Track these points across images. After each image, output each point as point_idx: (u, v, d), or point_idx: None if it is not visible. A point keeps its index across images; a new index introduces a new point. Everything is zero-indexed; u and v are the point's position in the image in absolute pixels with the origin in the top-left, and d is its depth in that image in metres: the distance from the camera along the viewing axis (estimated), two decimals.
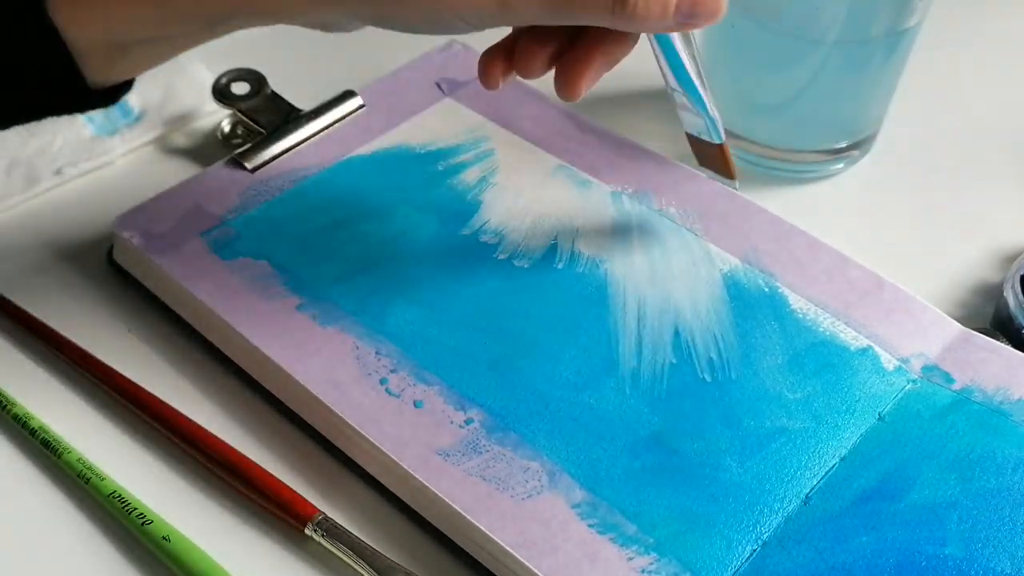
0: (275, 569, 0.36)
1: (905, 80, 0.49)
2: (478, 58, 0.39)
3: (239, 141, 0.51)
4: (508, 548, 0.35)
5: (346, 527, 0.36)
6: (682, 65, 0.40)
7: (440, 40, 0.53)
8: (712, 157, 0.45)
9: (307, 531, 0.36)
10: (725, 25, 0.47)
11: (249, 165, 0.47)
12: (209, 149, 0.52)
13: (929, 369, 0.40)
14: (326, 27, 0.38)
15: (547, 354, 0.40)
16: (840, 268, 0.43)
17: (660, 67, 0.41)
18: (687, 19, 0.36)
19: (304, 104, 0.50)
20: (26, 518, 0.38)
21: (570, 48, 0.38)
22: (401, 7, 0.35)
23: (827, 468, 0.37)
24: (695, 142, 0.44)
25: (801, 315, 0.42)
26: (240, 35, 0.38)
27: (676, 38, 0.39)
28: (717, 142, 0.43)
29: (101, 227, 0.47)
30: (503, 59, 0.38)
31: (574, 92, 0.38)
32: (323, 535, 0.36)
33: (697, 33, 0.50)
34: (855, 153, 0.51)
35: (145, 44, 0.38)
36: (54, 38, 0.36)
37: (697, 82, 0.41)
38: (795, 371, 0.40)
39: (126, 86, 0.40)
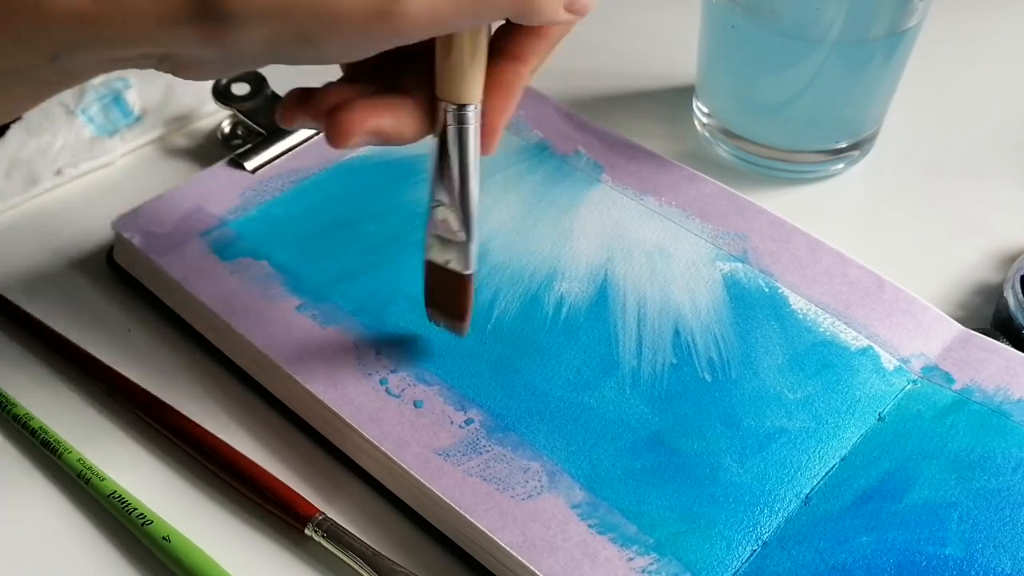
0: (275, 569, 0.36)
1: (905, 80, 0.49)
2: None
3: (239, 142, 0.51)
4: (508, 548, 0.35)
5: (346, 527, 0.36)
6: (469, 172, 0.36)
7: None
8: (450, 292, 0.38)
9: (307, 531, 0.36)
10: (725, 25, 0.48)
11: (249, 166, 0.47)
12: (209, 149, 0.52)
13: (929, 369, 0.40)
14: (193, 71, 0.33)
15: (547, 354, 0.40)
16: (840, 268, 0.43)
17: (442, 171, 0.36)
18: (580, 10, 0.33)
19: None
20: (26, 518, 0.38)
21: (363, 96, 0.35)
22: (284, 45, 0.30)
23: (827, 468, 0.37)
24: (437, 272, 0.38)
25: (801, 315, 0.42)
26: None
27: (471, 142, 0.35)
28: (466, 272, 0.37)
29: (101, 227, 0.47)
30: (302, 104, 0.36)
31: (345, 137, 0.34)
32: (323, 535, 0.36)
33: (697, 33, 0.50)
34: (855, 153, 0.51)
35: None
36: None
37: (476, 197, 0.36)
38: (795, 371, 0.40)
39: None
